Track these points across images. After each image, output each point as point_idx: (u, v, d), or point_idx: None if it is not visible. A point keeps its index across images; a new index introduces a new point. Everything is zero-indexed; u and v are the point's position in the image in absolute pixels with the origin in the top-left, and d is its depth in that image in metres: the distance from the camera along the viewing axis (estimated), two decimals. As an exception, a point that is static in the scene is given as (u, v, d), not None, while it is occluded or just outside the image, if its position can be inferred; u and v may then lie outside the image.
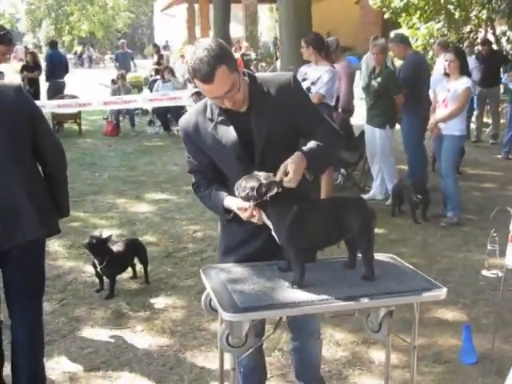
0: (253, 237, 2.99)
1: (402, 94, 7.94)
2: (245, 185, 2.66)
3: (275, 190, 2.66)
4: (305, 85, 7.15)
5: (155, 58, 21.26)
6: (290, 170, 2.69)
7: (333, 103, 7.32)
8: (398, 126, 8.37)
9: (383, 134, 8.05)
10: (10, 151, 3.30)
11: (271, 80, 2.97)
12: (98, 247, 5.26)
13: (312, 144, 2.89)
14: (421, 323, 4.54)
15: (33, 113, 3.44)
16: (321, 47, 7.32)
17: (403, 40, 8.65)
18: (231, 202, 2.87)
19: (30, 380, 3.51)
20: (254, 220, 2.74)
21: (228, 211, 2.93)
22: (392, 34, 12.20)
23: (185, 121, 3.02)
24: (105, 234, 5.45)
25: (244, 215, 2.76)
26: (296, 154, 2.78)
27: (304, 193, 2.80)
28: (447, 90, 7.10)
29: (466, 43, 13.57)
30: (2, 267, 3.47)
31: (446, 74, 7.20)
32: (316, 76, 7.20)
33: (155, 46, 23.41)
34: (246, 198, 2.68)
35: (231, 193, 2.87)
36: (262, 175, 2.67)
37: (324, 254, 3.11)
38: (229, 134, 2.87)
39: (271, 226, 2.74)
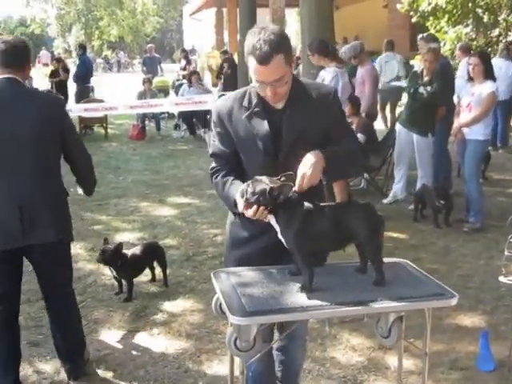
0: (261, 233, 2.98)
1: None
2: (252, 190, 2.65)
3: (289, 193, 2.67)
4: None
5: (183, 62, 21.38)
6: (308, 172, 2.73)
7: None
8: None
9: (424, 142, 7.95)
10: (41, 165, 3.71)
11: (313, 87, 3.04)
12: (111, 258, 5.30)
13: (334, 149, 2.91)
14: (439, 329, 4.54)
15: (68, 127, 3.89)
16: (326, 52, 7.27)
17: (430, 42, 8.56)
18: (240, 200, 2.82)
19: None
20: (257, 216, 2.72)
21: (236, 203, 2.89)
22: (420, 36, 12.16)
23: (221, 104, 3.04)
24: (112, 243, 5.55)
25: (247, 214, 2.73)
26: (315, 152, 2.80)
27: (313, 197, 2.79)
28: (471, 95, 7.03)
29: (500, 46, 13.36)
30: (30, 262, 3.91)
31: (471, 78, 7.13)
32: (323, 77, 7.20)
33: (183, 50, 23.53)
34: (257, 204, 2.67)
35: None
36: (265, 179, 2.67)
37: (331, 259, 3.10)
38: (262, 125, 2.90)
39: (278, 230, 2.73)
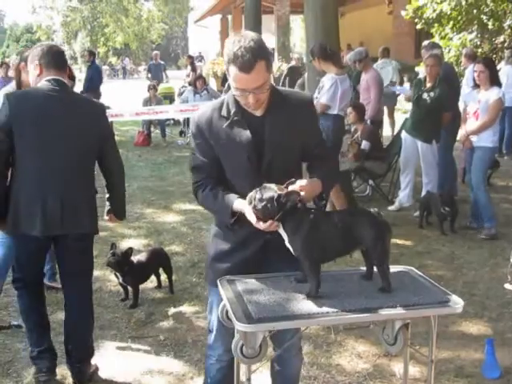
0: (243, 245, 3.00)
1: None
2: (260, 196, 2.66)
3: (295, 200, 2.68)
4: (316, 94, 7.17)
5: (188, 68, 21.41)
6: (304, 189, 2.75)
7: (335, 111, 7.18)
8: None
9: (428, 149, 7.94)
10: (82, 165, 4.02)
11: (291, 95, 3.05)
12: (120, 263, 5.34)
13: (323, 174, 2.96)
14: (444, 336, 4.54)
15: (106, 134, 4.20)
16: (325, 55, 7.22)
17: (433, 49, 8.58)
18: (243, 206, 2.82)
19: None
20: (267, 229, 2.75)
21: (233, 213, 2.89)
22: (425, 43, 12.20)
23: (199, 115, 2.99)
24: (120, 247, 5.64)
25: (259, 225, 2.74)
26: (315, 179, 2.88)
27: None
28: (478, 102, 7.02)
29: (507, 53, 13.35)
30: (57, 250, 4.15)
31: (477, 85, 7.13)
32: (323, 84, 7.19)
33: (190, 57, 23.53)
34: (265, 210, 2.68)
35: (241, 196, 2.86)
36: (274, 186, 2.68)
37: (337, 265, 3.11)
38: (243, 134, 2.89)
39: (285, 237, 2.74)
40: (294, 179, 2.77)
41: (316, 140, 3.11)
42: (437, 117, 7.87)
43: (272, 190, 2.67)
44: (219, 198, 2.93)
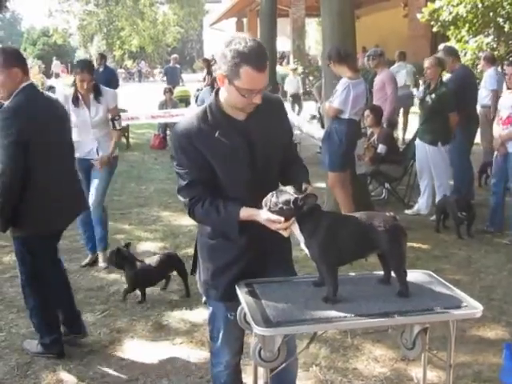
0: (243, 254, 2.98)
1: (456, 112, 7.82)
2: (276, 200, 2.67)
3: (313, 203, 2.69)
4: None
5: (204, 72, 21.41)
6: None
7: (346, 115, 7.15)
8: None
9: (435, 151, 7.92)
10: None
11: (264, 97, 2.91)
12: (112, 260, 5.57)
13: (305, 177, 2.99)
14: (462, 340, 4.52)
15: None
16: (339, 58, 7.19)
17: (451, 53, 8.55)
18: (253, 213, 2.78)
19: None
20: (284, 233, 2.75)
21: (238, 223, 2.84)
22: (441, 47, 12.17)
23: (184, 127, 2.88)
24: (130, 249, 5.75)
25: (275, 226, 2.73)
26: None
27: None
28: (510, 107, 6.94)
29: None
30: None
31: (509, 89, 7.03)
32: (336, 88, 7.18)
33: (205, 60, 23.53)
34: (281, 213, 2.69)
35: (247, 204, 2.82)
36: (290, 189, 2.69)
37: (354, 269, 3.11)
38: (235, 139, 2.86)
39: (302, 241, 2.75)
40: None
41: (290, 140, 3.19)
42: (440, 118, 7.81)
43: (288, 193, 2.68)
44: (221, 210, 2.84)
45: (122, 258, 5.48)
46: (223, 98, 2.86)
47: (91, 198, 6.18)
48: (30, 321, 4.67)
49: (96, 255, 6.55)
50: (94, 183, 6.30)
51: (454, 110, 7.83)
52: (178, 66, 22.46)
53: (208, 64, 21.50)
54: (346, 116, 7.04)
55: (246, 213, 2.81)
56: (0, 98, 4.21)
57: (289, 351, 2.93)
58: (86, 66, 6.30)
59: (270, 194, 2.71)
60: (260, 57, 2.67)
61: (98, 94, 6.25)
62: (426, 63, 7.87)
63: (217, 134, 2.84)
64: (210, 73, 20.17)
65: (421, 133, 8.13)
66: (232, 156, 2.85)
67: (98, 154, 6.28)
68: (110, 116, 6.34)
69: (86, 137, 6.23)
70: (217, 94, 2.90)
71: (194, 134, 2.85)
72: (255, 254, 2.97)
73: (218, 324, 3.17)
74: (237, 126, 2.88)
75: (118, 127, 6.43)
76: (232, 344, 3.11)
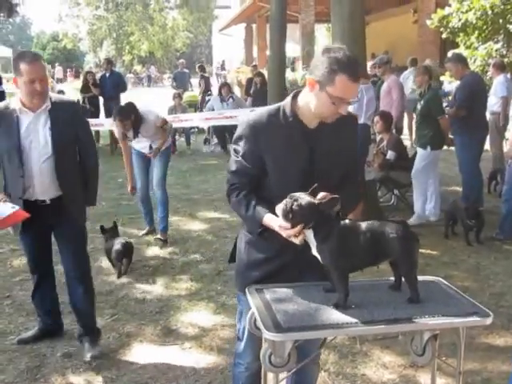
0: (278, 255, 2.98)
1: (445, 116, 7.94)
2: (298, 205, 2.65)
3: (333, 208, 2.69)
4: None
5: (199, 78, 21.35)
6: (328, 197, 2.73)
7: (362, 120, 7.13)
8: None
9: (423, 155, 8.01)
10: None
11: None
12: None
13: (346, 194, 2.91)
14: (471, 348, 4.51)
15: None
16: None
17: (460, 59, 8.54)
18: (272, 221, 2.80)
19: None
20: (296, 240, 2.74)
21: (261, 226, 2.87)
22: (450, 54, 12.18)
23: (255, 118, 2.94)
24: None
25: (287, 233, 2.72)
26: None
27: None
28: None
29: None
30: None
31: None
32: None
33: (200, 67, 23.30)
34: (301, 218, 2.68)
35: (271, 210, 2.82)
36: (303, 195, 2.68)
37: (364, 275, 3.10)
38: (300, 146, 2.89)
39: (314, 246, 2.75)
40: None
41: (353, 159, 3.15)
42: (429, 123, 7.92)
43: (306, 198, 2.68)
44: (251, 208, 2.89)
45: (103, 233, 6.66)
46: (305, 103, 2.87)
47: (154, 181, 7.58)
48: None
49: (153, 228, 7.82)
50: (154, 171, 7.56)
51: (441, 114, 7.93)
52: (186, 70, 22.48)
53: (203, 68, 21.46)
54: (360, 121, 7.05)
55: (267, 220, 2.83)
56: None
57: (305, 355, 2.94)
58: (127, 115, 7.04)
59: (286, 201, 2.69)
60: (356, 68, 2.73)
61: (136, 133, 7.18)
62: (416, 72, 8.13)
63: (282, 133, 2.87)
64: (205, 80, 20.15)
65: (416, 138, 8.27)
66: (290, 160, 2.89)
67: (151, 148, 7.42)
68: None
69: (141, 143, 7.41)
70: (295, 97, 2.93)
71: (260, 128, 2.90)
72: (289, 255, 2.95)
73: (243, 323, 3.17)
74: (305, 133, 2.90)
75: (167, 128, 7.57)
76: (255, 346, 3.09)
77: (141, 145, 7.42)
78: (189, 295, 5.76)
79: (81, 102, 15.82)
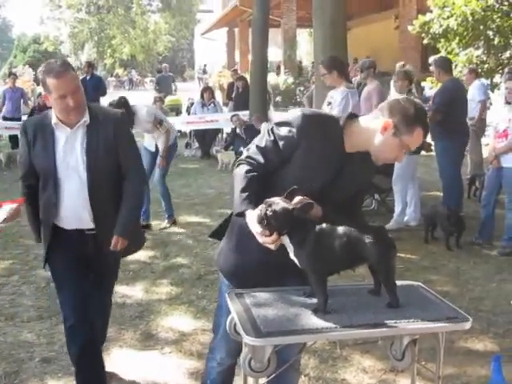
0: (264, 256, 2.91)
1: None
2: (273, 211, 2.63)
3: (308, 212, 2.69)
4: (327, 109, 7.15)
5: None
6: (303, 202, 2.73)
7: None
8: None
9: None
10: None
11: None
12: None
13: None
14: (450, 352, 4.52)
15: None
16: (340, 69, 7.19)
17: (441, 64, 8.57)
18: (251, 221, 2.73)
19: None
20: (272, 246, 2.71)
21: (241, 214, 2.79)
22: (431, 60, 12.26)
23: (313, 114, 2.93)
24: None
25: (264, 240, 2.69)
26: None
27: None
28: (508, 120, 6.97)
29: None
30: None
31: (508, 103, 7.09)
32: (334, 99, 7.16)
33: (159, 71, 23.22)
34: (276, 225, 2.66)
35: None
36: (278, 199, 2.66)
37: (343, 279, 3.11)
38: (332, 163, 2.88)
39: (291, 251, 2.74)
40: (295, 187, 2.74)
41: (365, 193, 3.23)
42: None
43: (281, 203, 2.67)
44: (246, 191, 2.79)
45: None
46: (363, 133, 2.86)
47: (155, 178, 8.25)
48: (18, 329, 4.64)
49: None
50: (156, 169, 8.20)
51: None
52: (170, 74, 22.44)
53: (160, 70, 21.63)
54: None
55: (249, 216, 2.75)
56: None
57: (285, 360, 2.92)
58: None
59: (262, 207, 2.66)
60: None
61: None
62: (395, 77, 8.17)
63: (326, 141, 2.85)
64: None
65: None
66: (316, 172, 2.86)
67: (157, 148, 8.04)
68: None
69: (148, 140, 8.18)
70: (350, 118, 2.91)
71: (310, 125, 2.85)
72: (276, 259, 2.89)
73: (222, 319, 3.16)
74: (341, 154, 2.88)
75: (162, 131, 7.76)
76: (230, 343, 3.08)
77: (148, 142, 8.17)
78: (169, 299, 5.74)
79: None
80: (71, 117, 3.61)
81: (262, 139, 2.93)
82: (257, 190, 2.82)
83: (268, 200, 2.68)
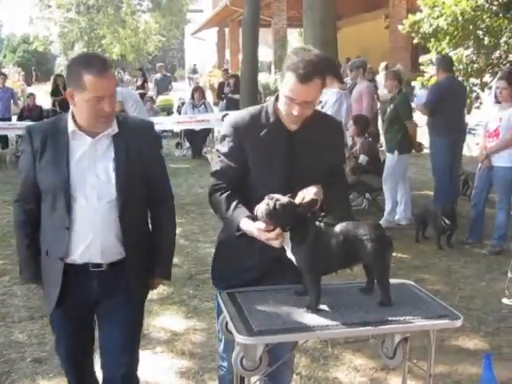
0: (255, 255, 2.97)
1: (414, 121, 8.15)
2: (275, 205, 2.65)
3: (313, 209, 2.71)
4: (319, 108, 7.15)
5: (139, 81, 21.37)
6: (307, 198, 2.75)
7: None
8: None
9: (390, 159, 8.10)
10: None
11: (325, 116, 3.18)
12: None
13: (335, 194, 2.99)
14: (441, 350, 4.53)
15: None
16: (333, 69, 7.21)
17: (440, 62, 8.61)
18: (249, 225, 2.79)
19: None
20: (275, 243, 2.74)
21: (238, 229, 2.86)
22: (421, 59, 12.36)
23: (236, 118, 3.00)
24: None
25: (267, 236, 2.72)
26: (316, 186, 2.84)
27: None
28: (499, 119, 7.00)
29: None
30: None
31: (498, 102, 7.12)
32: (325, 99, 7.16)
33: (140, 69, 23.25)
34: (279, 220, 2.68)
35: (250, 214, 2.82)
36: (281, 197, 2.69)
37: (337, 278, 3.12)
38: (279, 146, 2.92)
39: (288, 248, 2.75)
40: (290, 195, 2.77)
41: (339, 165, 3.19)
42: (398, 127, 8.04)
43: (286, 199, 2.69)
44: (230, 209, 2.89)
45: None
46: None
47: None
48: (9, 330, 4.62)
49: None
50: None
51: (409, 119, 8.07)
52: (168, 74, 22.36)
53: (143, 73, 21.59)
54: None
55: (244, 225, 2.82)
56: None
57: (277, 358, 2.92)
58: None
59: (264, 203, 2.69)
60: (306, 70, 2.73)
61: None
62: (385, 76, 8.26)
63: (262, 134, 2.91)
64: (145, 81, 20.28)
65: (385, 143, 8.40)
66: (270, 160, 2.91)
67: None
68: None
69: None
70: (277, 98, 2.96)
71: (243, 126, 2.95)
72: (268, 257, 2.94)
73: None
74: (286, 134, 2.93)
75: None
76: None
77: None
78: (160, 299, 5.73)
79: (51, 105, 15.77)
80: (99, 124, 3.00)
81: (214, 163, 3.05)
82: (239, 203, 2.90)
83: (273, 195, 2.70)
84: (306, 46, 2.94)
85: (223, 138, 3.01)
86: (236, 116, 3.03)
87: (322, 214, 3.01)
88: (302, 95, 2.78)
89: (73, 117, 3.03)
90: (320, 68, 2.77)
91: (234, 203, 2.91)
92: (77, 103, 2.95)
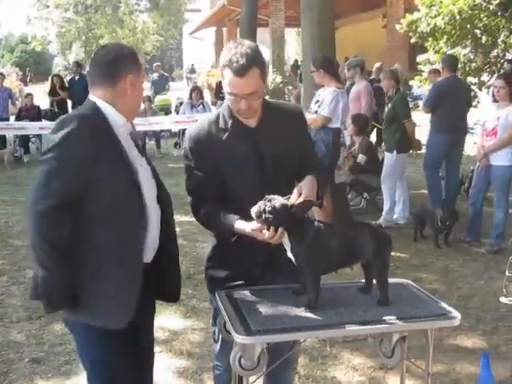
0: (247, 257, 2.97)
1: (412, 120, 8.14)
2: (271, 206, 2.66)
3: (308, 210, 2.71)
4: (315, 107, 7.14)
5: None
6: (304, 192, 2.75)
7: (338, 124, 7.17)
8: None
9: (389, 159, 8.10)
10: None
11: (282, 106, 3.17)
12: None
13: (316, 172, 2.97)
14: (439, 349, 4.54)
15: None
16: (330, 68, 7.22)
17: (444, 61, 8.64)
18: (244, 226, 2.81)
19: None
20: (273, 241, 2.74)
21: (234, 234, 2.89)
22: (418, 59, 12.36)
23: (195, 130, 2.98)
24: None
25: (261, 237, 2.73)
26: (308, 177, 2.85)
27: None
28: (497, 118, 7.00)
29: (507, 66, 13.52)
30: None
31: (496, 101, 7.14)
32: (321, 98, 7.15)
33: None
34: (274, 221, 2.68)
35: (241, 216, 2.84)
36: (279, 197, 2.69)
37: (335, 278, 3.12)
38: (241, 145, 2.92)
39: (288, 248, 2.76)
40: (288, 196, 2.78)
41: (308, 150, 3.17)
42: (395, 126, 8.06)
43: (280, 200, 2.69)
44: (220, 219, 2.91)
45: None
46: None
47: None
48: (7, 330, 4.62)
49: None
50: None
51: (408, 118, 8.08)
52: (165, 74, 22.31)
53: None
54: (333, 125, 7.06)
55: (239, 227, 2.84)
56: None
57: (288, 360, 2.98)
58: None
59: (260, 202, 2.70)
60: (240, 63, 2.74)
61: None
62: (382, 76, 8.30)
63: (224, 137, 2.91)
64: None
65: (384, 143, 8.39)
66: (239, 160, 2.91)
67: None
68: None
69: None
70: None
71: (203, 138, 2.94)
72: (261, 258, 2.96)
73: (218, 326, 3.17)
74: (246, 132, 2.94)
75: None
76: (231, 348, 3.10)
77: None
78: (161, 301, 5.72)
79: (49, 105, 15.77)
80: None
81: (186, 183, 3.09)
82: (225, 211, 2.91)
83: (267, 196, 2.71)
84: (238, 39, 2.93)
85: (186, 154, 3.01)
86: (195, 128, 3.00)
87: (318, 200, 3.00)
88: (243, 88, 2.78)
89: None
90: (255, 57, 2.78)
91: (221, 212, 2.92)
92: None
